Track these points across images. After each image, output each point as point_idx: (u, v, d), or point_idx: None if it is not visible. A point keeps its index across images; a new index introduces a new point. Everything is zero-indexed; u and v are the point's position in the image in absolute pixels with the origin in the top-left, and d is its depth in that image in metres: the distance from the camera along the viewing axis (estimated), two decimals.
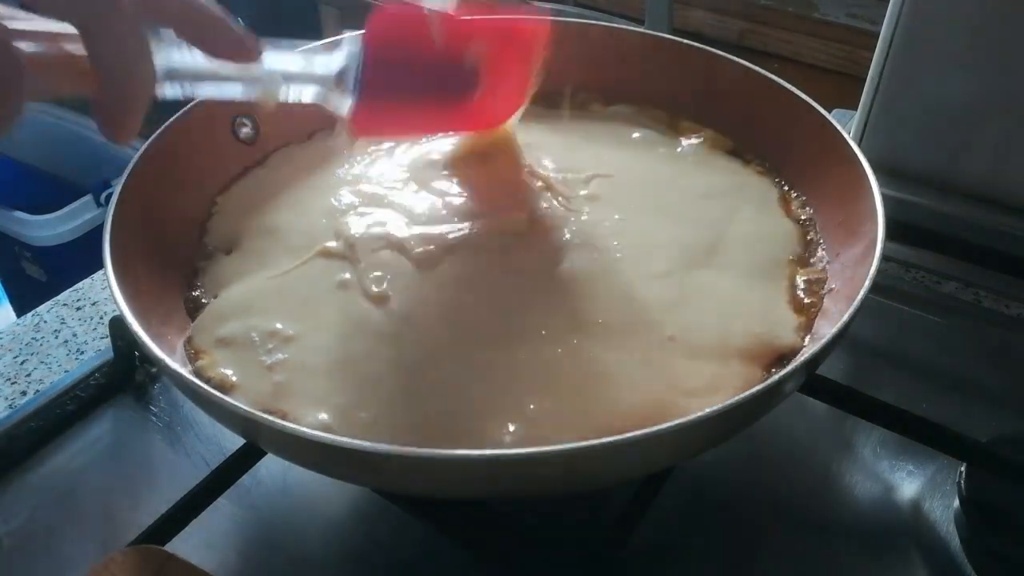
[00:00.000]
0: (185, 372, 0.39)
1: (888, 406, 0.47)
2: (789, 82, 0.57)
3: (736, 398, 0.36)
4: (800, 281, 0.49)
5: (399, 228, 0.52)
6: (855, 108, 0.71)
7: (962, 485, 0.48)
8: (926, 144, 0.68)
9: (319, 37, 0.63)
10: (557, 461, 0.34)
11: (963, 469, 0.49)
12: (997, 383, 0.58)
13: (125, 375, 0.58)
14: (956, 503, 0.49)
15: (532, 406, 0.41)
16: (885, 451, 0.53)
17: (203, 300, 0.49)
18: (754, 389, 0.37)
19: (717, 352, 0.44)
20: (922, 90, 0.66)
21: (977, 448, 0.47)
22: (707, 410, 0.35)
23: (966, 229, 0.67)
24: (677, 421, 0.35)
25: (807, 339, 0.46)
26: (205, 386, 0.38)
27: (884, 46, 0.66)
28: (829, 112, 0.54)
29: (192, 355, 0.46)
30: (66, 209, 1.47)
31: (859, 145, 0.50)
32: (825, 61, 1.23)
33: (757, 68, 0.59)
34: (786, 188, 0.57)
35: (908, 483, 0.52)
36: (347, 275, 0.49)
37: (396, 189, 0.56)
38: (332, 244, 0.51)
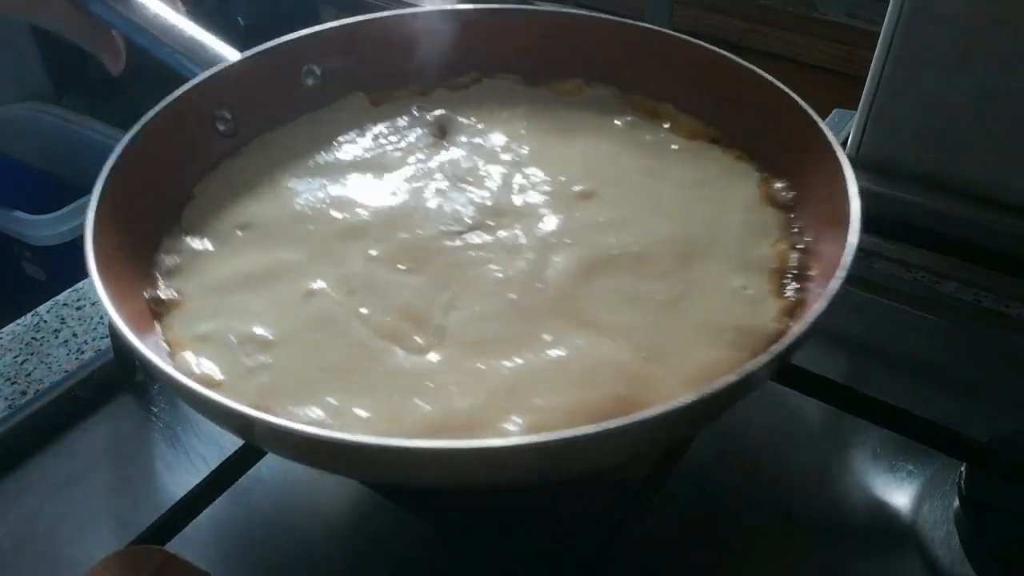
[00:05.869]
0: (179, 375, 0.39)
1: (888, 406, 0.47)
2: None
3: (714, 386, 0.36)
4: (784, 270, 0.49)
5: (373, 232, 0.52)
6: (855, 108, 0.71)
7: (962, 485, 0.48)
8: (926, 144, 0.68)
9: None
10: (540, 451, 0.34)
11: (963, 469, 0.49)
12: (997, 383, 0.58)
13: (125, 375, 0.58)
14: (956, 503, 0.48)
15: (537, 400, 0.42)
16: (885, 451, 0.53)
17: (173, 295, 0.49)
18: (728, 378, 0.36)
19: (711, 344, 0.45)
20: (922, 90, 0.66)
21: (977, 448, 0.47)
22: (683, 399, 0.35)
23: (965, 229, 0.67)
24: (656, 410, 0.35)
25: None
26: (200, 387, 0.38)
27: (884, 46, 0.66)
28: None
29: (170, 351, 0.45)
30: (66, 209, 1.47)
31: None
32: (825, 61, 1.23)
33: (732, 56, 0.58)
34: (768, 177, 0.56)
35: (908, 483, 0.52)
36: (318, 282, 0.49)
37: (372, 184, 0.56)
38: (296, 255, 0.50)
